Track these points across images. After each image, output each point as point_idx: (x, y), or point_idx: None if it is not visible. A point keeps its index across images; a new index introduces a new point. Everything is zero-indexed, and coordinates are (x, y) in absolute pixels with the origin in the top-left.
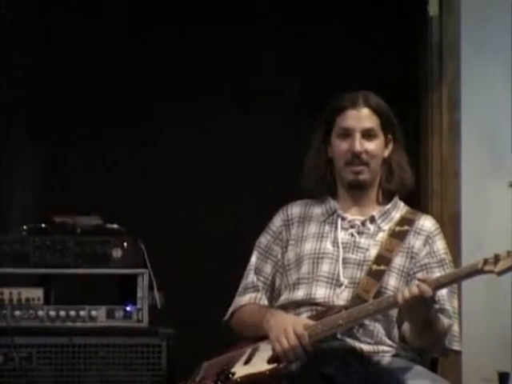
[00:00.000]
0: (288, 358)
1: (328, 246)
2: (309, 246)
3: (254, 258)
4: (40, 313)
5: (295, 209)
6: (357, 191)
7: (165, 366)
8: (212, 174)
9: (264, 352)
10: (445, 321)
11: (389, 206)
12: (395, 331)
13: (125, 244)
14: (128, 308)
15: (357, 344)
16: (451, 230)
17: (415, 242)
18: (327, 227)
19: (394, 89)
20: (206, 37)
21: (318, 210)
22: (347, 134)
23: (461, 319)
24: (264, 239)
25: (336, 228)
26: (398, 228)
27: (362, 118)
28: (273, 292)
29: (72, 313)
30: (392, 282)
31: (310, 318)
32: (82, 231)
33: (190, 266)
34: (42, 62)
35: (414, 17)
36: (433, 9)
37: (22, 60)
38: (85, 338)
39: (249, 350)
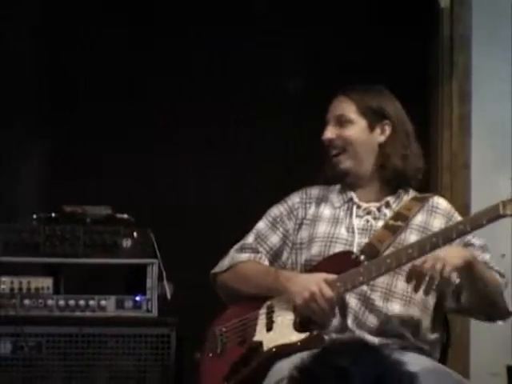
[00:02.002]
0: (321, 323)
1: (342, 231)
2: (322, 229)
3: (261, 224)
4: (49, 302)
5: (314, 190)
6: (352, 182)
7: (174, 356)
8: (224, 163)
9: (283, 315)
10: (497, 276)
11: (400, 191)
12: (410, 322)
13: (134, 234)
14: (137, 298)
15: (369, 337)
16: None
17: (431, 220)
18: (342, 213)
19: (404, 82)
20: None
21: (334, 196)
22: (326, 124)
23: None
24: (277, 210)
25: (351, 215)
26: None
27: (336, 106)
28: (274, 263)
29: (81, 302)
30: (409, 239)
31: (327, 267)
32: (91, 221)
33: (199, 256)
34: (48, 55)
35: (425, 9)
36: (444, 1)
37: (28, 51)
38: (94, 328)
39: (263, 313)
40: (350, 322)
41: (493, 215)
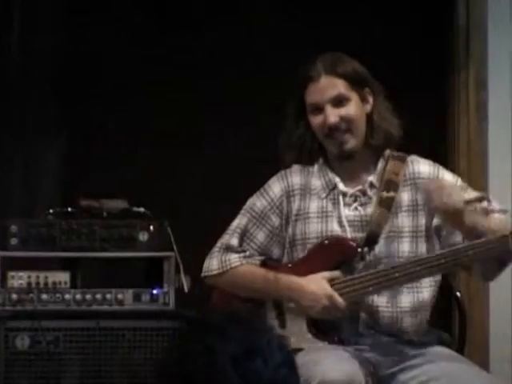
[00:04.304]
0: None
1: (335, 226)
2: (314, 227)
3: (244, 221)
4: (67, 296)
5: (295, 178)
6: (349, 161)
7: None
8: (239, 156)
9: (293, 312)
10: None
11: (381, 165)
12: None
13: (151, 227)
14: (154, 291)
15: (397, 321)
16: None
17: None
18: (330, 204)
19: (421, 70)
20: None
21: (317, 183)
22: (318, 108)
23: (488, 301)
24: (260, 204)
25: (339, 205)
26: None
27: (325, 88)
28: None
29: (98, 296)
30: (404, 223)
31: (325, 255)
32: (108, 215)
33: None
34: (66, 47)
35: None
36: None
37: (46, 45)
38: (111, 322)
39: (270, 306)
40: (361, 325)
41: (503, 249)
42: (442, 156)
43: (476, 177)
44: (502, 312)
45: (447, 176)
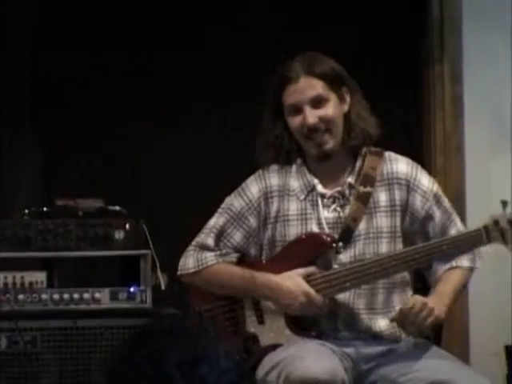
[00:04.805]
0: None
1: (314, 228)
2: (294, 229)
3: (221, 220)
4: (43, 296)
5: (273, 179)
6: (327, 162)
7: None
8: (215, 154)
9: (271, 308)
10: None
11: (359, 164)
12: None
13: (127, 226)
14: (131, 289)
15: (373, 323)
16: (455, 206)
17: (394, 194)
18: (309, 206)
19: (395, 64)
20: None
21: (295, 184)
22: (297, 109)
23: (467, 293)
24: (237, 204)
25: (317, 206)
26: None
27: (304, 89)
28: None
29: (75, 295)
30: (381, 223)
31: (300, 249)
32: (83, 214)
33: None
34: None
35: None
36: None
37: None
38: (89, 321)
39: (248, 302)
40: (339, 322)
41: (476, 244)
42: (418, 151)
43: (453, 171)
44: (482, 302)
45: (424, 178)
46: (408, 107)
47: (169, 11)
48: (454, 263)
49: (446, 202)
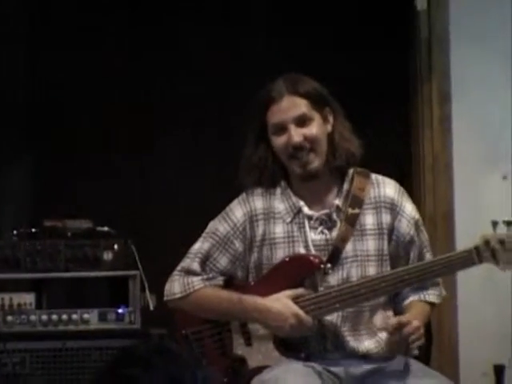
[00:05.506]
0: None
1: (301, 251)
2: (281, 253)
3: (205, 245)
4: (32, 317)
5: (258, 202)
6: (311, 181)
7: None
8: (205, 175)
9: (259, 330)
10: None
11: (346, 187)
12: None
13: (115, 246)
14: (120, 310)
15: (360, 343)
16: (445, 225)
17: (381, 218)
18: (295, 228)
19: (384, 84)
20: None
21: (280, 206)
22: (281, 128)
23: (457, 311)
24: (222, 228)
25: (305, 228)
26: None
27: (288, 108)
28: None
29: (64, 317)
30: (368, 246)
31: (288, 271)
32: (72, 235)
33: None
34: (34, 70)
35: (402, 12)
36: (420, 4)
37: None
38: (77, 342)
39: (235, 325)
40: (328, 343)
41: (467, 264)
42: (407, 170)
43: (441, 190)
44: (472, 320)
45: (408, 205)
46: (397, 126)
47: (170, 12)
48: (422, 296)
49: (424, 231)
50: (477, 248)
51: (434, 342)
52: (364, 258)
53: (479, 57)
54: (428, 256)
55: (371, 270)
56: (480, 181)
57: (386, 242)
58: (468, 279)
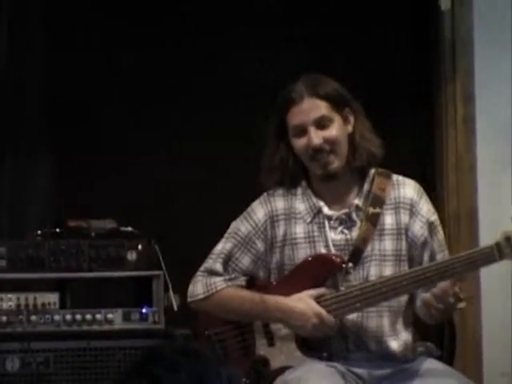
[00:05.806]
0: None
1: (322, 251)
2: (302, 254)
3: (228, 245)
4: (56, 317)
5: (279, 202)
6: (332, 182)
7: None
8: (229, 175)
9: (281, 330)
10: None
11: (367, 187)
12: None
13: (139, 246)
14: (144, 310)
15: (384, 344)
16: (468, 225)
17: (400, 218)
18: (315, 228)
19: (408, 84)
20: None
21: (301, 206)
22: (301, 130)
23: (480, 314)
24: (244, 228)
25: (324, 228)
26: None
27: (308, 110)
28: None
29: (88, 316)
30: (386, 246)
31: (310, 271)
32: (96, 235)
33: None
34: (54, 68)
35: (426, 12)
36: (444, 3)
37: (33, 67)
38: (101, 342)
39: (258, 326)
40: (350, 343)
41: (488, 261)
42: (430, 170)
43: (465, 190)
44: (495, 323)
45: (425, 207)
46: (420, 127)
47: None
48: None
49: (439, 233)
50: (498, 244)
51: (458, 342)
52: (382, 258)
53: (503, 56)
54: (438, 257)
55: (388, 270)
56: (503, 180)
57: (404, 243)
58: (491, 282)
